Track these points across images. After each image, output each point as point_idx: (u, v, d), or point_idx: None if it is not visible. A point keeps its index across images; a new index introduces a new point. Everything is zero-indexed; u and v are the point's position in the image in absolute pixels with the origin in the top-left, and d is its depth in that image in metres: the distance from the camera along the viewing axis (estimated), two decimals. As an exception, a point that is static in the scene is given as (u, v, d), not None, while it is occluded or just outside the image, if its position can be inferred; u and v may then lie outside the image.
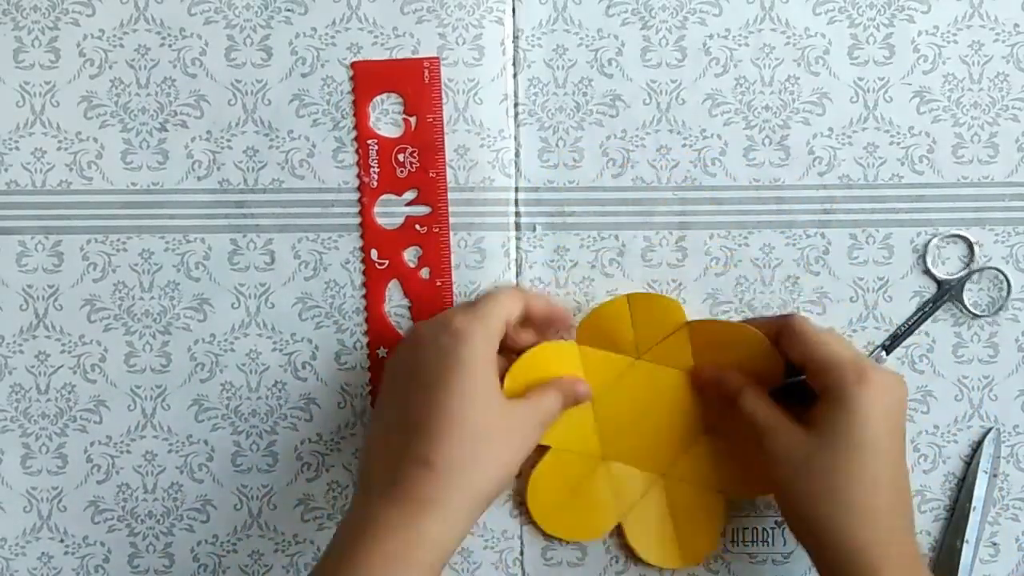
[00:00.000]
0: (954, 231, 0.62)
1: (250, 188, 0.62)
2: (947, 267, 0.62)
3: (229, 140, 0.62)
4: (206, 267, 0.62)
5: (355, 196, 0.62)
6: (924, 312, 0.62)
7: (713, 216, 0.62)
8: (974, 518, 0.62)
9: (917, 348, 0.62)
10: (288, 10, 0.62)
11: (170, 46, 0.62)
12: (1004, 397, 0.62)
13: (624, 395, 0.60)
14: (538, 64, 0.62)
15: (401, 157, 0.62)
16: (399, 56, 0.62)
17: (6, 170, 0.62)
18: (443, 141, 0.62)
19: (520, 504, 0.62)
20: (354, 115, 0.62)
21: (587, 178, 0.62)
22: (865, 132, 0.62)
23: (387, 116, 0.62)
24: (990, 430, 0.62)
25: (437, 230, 0.62)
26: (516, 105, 0.62)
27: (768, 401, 0.57)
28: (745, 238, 0.62)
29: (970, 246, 0.62)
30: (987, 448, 0.62)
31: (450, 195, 0.62)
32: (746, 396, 0.57)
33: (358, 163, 0.62)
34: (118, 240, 0.62)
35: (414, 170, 0.62)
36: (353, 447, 0.62)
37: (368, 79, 0.61)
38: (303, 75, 0.62)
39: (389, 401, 0.56)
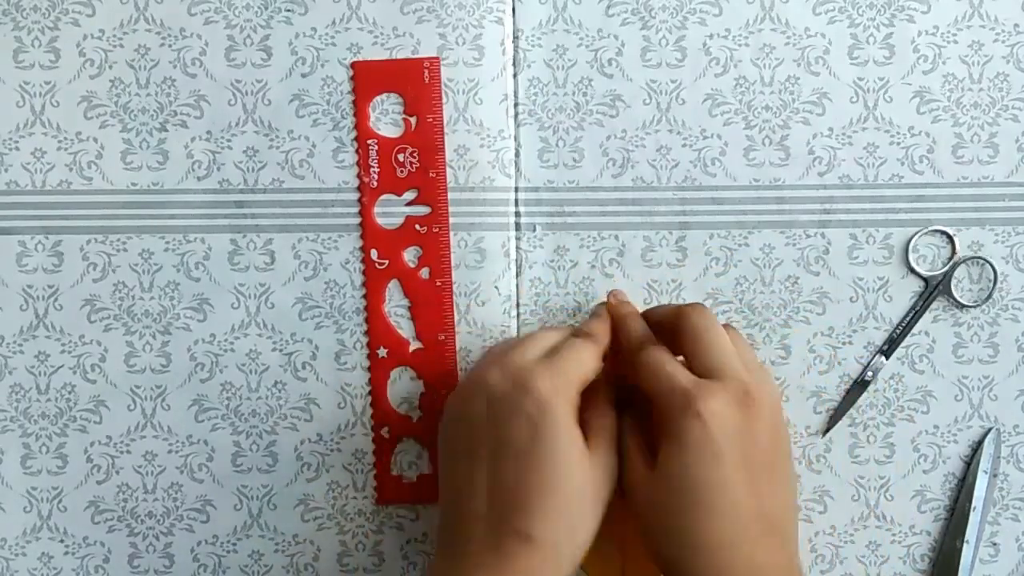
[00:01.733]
0: (935, 227, 0.62)
1: (250, 188, 0.62)
2: (931, 263, 0.62)
3: (229, 140, 0.62)
4: (206, 267, 0.62)
5: (355, 196, 0.62)
6: (916, 311, 0.62)
7: (713, 216, 0.62)
8: (974, 518, 0.62)
9: (917, 348, 0.62)
10: (288, 10, 0.62)
11: (170, 46, 0.62)
12: (1004, 397, 0.62)
13: None
14: (538, 64, 0.62)
15: (401, 157, 0.62)
16: (399, 56, 0.62)
17: (6, 170, 0.62)
18: (443, 141, 0.62)
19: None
20: (354, 115, 0.62)
21: (587, 178, 0.62)
22: (865, 132, 0.62)
23: (387, 116, 0.62)
24: (990, 430, 0.62)
25: (437, 230, 0.62)
26: (516, 105, 0.62)
27: (637, 429, 0.55)
28: (745, 238, 0.62)
29: (950, 239, 0.62)
30: (987, 448, 0.62)
31: (450, 195, 0.62)
32: (625, 420, 0.55)
33: (358, 163, 0.62)
34: (118, 240, 0.62)
35: (414, 170, 0.62)
36: (353, 447, 0.62)
37: (368, 79, 0.61)
38: (303, 75, 0.62)
39: (470, 464, 0.54)
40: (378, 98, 0.62)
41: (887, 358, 0.62)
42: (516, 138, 0.62)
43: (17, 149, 0.62)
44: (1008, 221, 0.62)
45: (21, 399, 0.62)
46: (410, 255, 0.62)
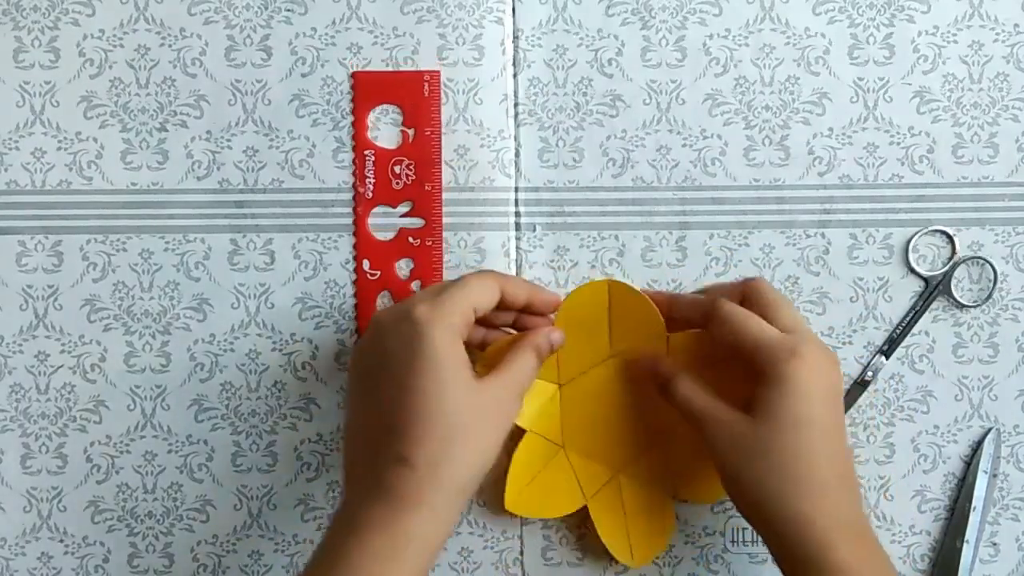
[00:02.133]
0: (935, 227, 0.62)
1: (250, 188, 0.62)
2: (931, 263, 0.62)
3: (229, 140, 0.62)
4: (206, 267, 0.62)
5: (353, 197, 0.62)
6: (916, 311, 0.62)
7: (713, 216, 0.62)
8: (974, 518, 0.62)
9: (917, 348, 0.62)
10: (288, 10, 0.62)
11: (170, 46, 0.62)
12: (1004, 397, 0.62)
13: (591, 388, 0.60)
14: (538, 64, 0.62)
15: (397, 169, 0.62)
16: (399, 56, 0.62)
17: (6, 170, 0.62)
18: (440, 155, 0.62)
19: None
20: (352, 124, 0.62)
21: (587, 178, 0.62)
22: (865, 132, 0.62)
23: (385, 127, 0.62)
24: (990, 430, 0.62)
25: (430, 243, 0.62)
26: (516, 105, 0.62)
27: (703, 387, 0.56)
28: (745, 238, 0.62)
29: (951, 240, 0.62)
30: (987, 448, 0.62)
31: (450, 195, 0.62)
32: (679, 384, 0.56)
33: (354, 172, 0.62)
34: (118, 240, 0.62)
35: (410, 183, 0.62)
36: (353, 447, 0.62)
37: (368, 89, 0.61)
38: (303, 75, 0.62)
39: (359, 395, 0.55)
40: (377, 109, 0.62)
41: (887, 358, 0.62)
42: (516, 138, 0.62)
43: (17, 149, 0.62)
44: (1008, 221, 0.62)
45: (21, 399, 0.62)
46: (402, 267, 0.62)
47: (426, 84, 0.61)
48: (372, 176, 0.61)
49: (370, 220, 0.62)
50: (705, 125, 0.62)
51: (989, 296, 0.62)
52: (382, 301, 0.62)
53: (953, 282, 0.62)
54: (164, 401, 0.62)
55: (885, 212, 0.62)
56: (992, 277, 0.62)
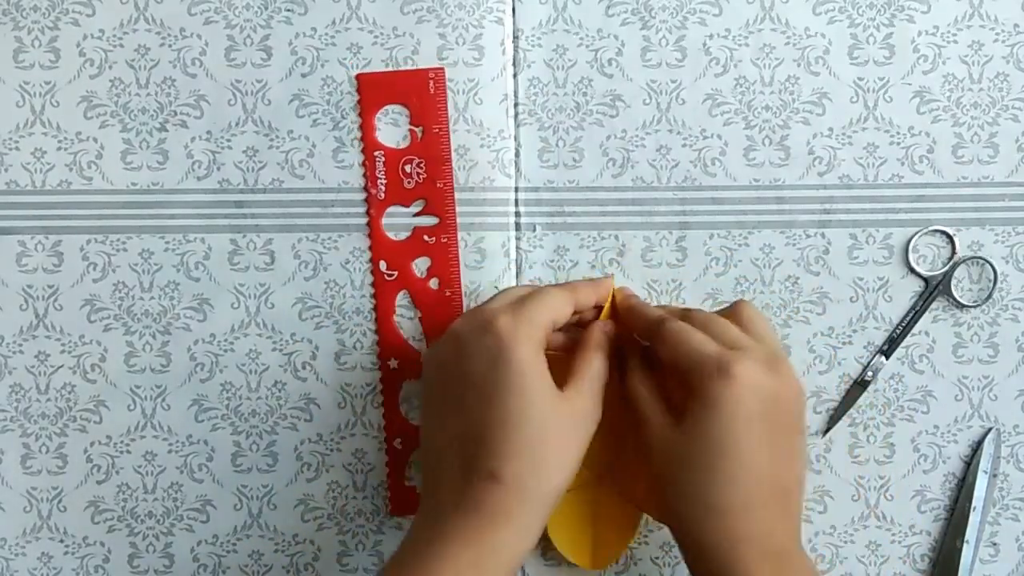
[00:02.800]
0: (935, 227, 0.62)
1: (250, 188, 0.62)
2: (931, 263, 0.62)
3: (229, 140, 0.62)
4: (206, 267, 0.62)
5: (354, 196, 0.62)
6: (916, 311, 0.62)
7: (713, 216, 0.62)
8: (974, 518, 0.62)
9: (917, 348, 0.62)
10: (288, 10, 0.62)
11: (170, 46, 0.62)
12: (1004, 397, 0.62)
13: None
14: (538, 64, 0.62)
15: (408, 168, 0.62)
16: (399, 56, 0.62)
17: (6, 170, 0.62)
18: (450, 151, 0.62)
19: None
20: (360, 127, 0.62)
21: (587, 178, 0.62)
22: (865, 132, 0.62)
23: (393, 127, 0.62)
24: (990, 430, 0.62)
25: (445, 240, 0.62)
26: (516, 105, 0.62)
27: (653, 385, 0.56)
28: (745, 238, 0.62)
29: (951, 240, 0.62)
30: (987, 448, 0.62)
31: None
32: (633, 376, 0.56)
33: (365, 175, 0.62)
34: (118, 240, 0.62)
35: (421, 181, 0.62)
36: (353, 447, 0.62)
37: (373, 90, 0.61)
38: (303, 75, 0.62)
39: (440, 408, 0.54)
40: (384, 109, 0.62)
41: (887, 358, 0.62)
42: (516, 138, 0.62)
43: (17, 149, 0.62)
44: (1008, 221, 0.62)
45: (21, 399, 0.62)
46: (419, 266, 0.62)
47: (431, 82, 0.61)
48: (383, 177, 0.61)
49: (384, 221, 0.62)
50: (705, 125, 0.62)
51: (989, 296, 0.62)
52: (401, 301, 0.62)
53: (953, 282, 0.62)
54: (164, 401, 0.62)
55: (885, 212, 0.62)
56: (992, 277, 0.62)
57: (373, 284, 0.62)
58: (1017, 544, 0.63)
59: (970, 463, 0.62)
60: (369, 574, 0.63)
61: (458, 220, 0.62)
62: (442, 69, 0.61)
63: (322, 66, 0.62)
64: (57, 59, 0.62)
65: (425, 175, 0.61)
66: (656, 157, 0.62)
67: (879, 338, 0.62)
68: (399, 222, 0.62)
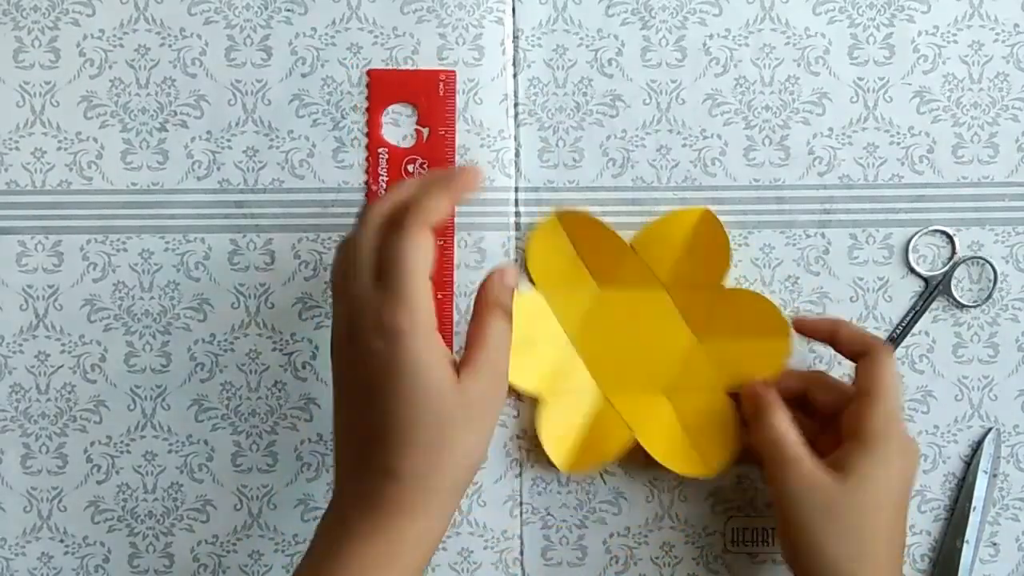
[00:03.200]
0: (935, 227, 0.62)
1: (250, 188, 0.62)
2: (931, 263, 0.62)
3: (229, 140, 0.62)
4: (206, 267, 0.62)
5: (354, 196, 0.62)
6: (916, 312, 0.62)
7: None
8: (974, 518, 0.62)
9: (917, 348, 0.62)
10: (288, 10, 0.62)
11: (170, 46, 0.62)
12: (1004, 397, 0.62)
13: (601, 328, 0.60)
14: (538, 64, 0.62)
15: (411, 168, 0.62)
16: (399, 56, 0.62)
17: (6, 170, 0.62)
18: (454, 154, 0.62)
19: (520, 503, 0.62)
20: (366, 123, 0.61)
21: (587, 178, 0.62)
22: (865, 132, 0.62)
23: (399, 126, 0.62)
24: (990, 430, 0.62)
25: (441, 243, 0.62)
26: (516, 105, 0.62)
27: (795, 427, 0.56)
28: (745, 238, 0.62)
29: (951, 239, 0.62)
30: (987, 448, 0.62)
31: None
32: (775, 416, 0.56)
33: (367, 170, 0.62)
34: (118, 240, 0.62)
35: None
36: (353, 447, 0.62)
37: (383, 87, 0.61)
38: (303, 75, 0.62)
39: (340, 405, 0.53)
40: (391, 107, 0.62)
41: None
42: (516, 138, 0.62)
43: (17, 149, 0.62)
44: (1008, 221, 0.62)
45: (21, 399, 0.62)
46: None
47: (442, 84, 0.61)
48: (385, 174, 0.61)
49: None
50: (705, 125, 0.62)
51: (989, 296, 0.62)
52: None
53: (953, 282, 0.62)
54: (164, 401, 0.62)
55: (885, 212, 0.62)
56: (992, 277, 0.62)
57: None
58: (1017, 544, 0.63)
59: (970, 463, 0.62)
60: (369, 574, 0.63)
61: (457, 219, 0.62)
62: (454, 72, 0.61)
63: (322, 66, 0.62)
64: (57, 59, 0.62)
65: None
66: (656, 157, 0.62)
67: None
68: None
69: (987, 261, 0.62)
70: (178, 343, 0.62)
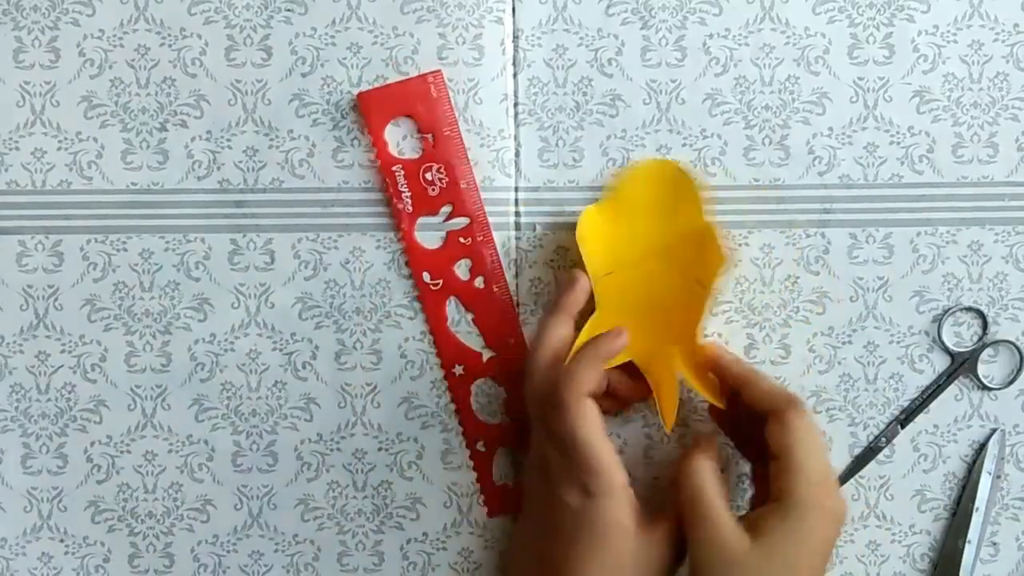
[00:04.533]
0: (969, 304, 0.62)
1: (250, 188, 0.62)
2: (961, 340, 0.62)
3: (229, 140, 0.62)
4: (206, 267, 0.62)
5: (354, 196, 0.62)
6: (939, 386, 0.62)
7: (713, 216, 0.62)
8: (976, 518, 0.62)
9: (917, 348, 0.62)
10: (288, 10, 0.62)
11: (170, 46, 0.62)
12: (1004, 397, 0.62)
13: (619, 295, 0.60)
14: (538, 64, 0.62)
15: (429, 176, 0.61)
16: (399, 56, 0.62)
17: (6, 170, 0.62)
18: (465, 151, 0.61)
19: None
20: (372, 144, 0.61)
21: (587, 178, 0.62)
22: (865, 132, 0.62)
23: (405, 139, 0.62)
24: (995, 431, 0.62)
25: (481, 238, 0.62)
26: (516, 105, 0.62)
27: (716, 482, 0.55)
28: (745, 238, 0.62)
29: (983, 319, 0.62)
30: (991, 449, 0.62)
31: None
32: (698, 464, 0.55)
33: (388, 191, 0.61)
34: (118, 240, 0.62)
35: (444, 186, 0.61)
36: (353, 447, 0.62)
37: (376, 107, 0.61)
38: (303, 75, 0.62)
39: (528, 551, 0.58)
40: (391, 123, 0.62)
41: (902, 427, 0.62)
42: (516, 138, 0.62)
43: (17, 149, 0.62)
44: (1008, 221, 0.62)
45: (21, 399, 0.62)
46: (461, 268, 0.62)
47: (431, 86, 0.61)
48: (407, 190, 0.61)
49: (417, 233, 0.62)
50: (705, 125, 0.62)
51: (1013, 380, 0.62)
52: (451, 307, 0.62)
53: (979, 362, 0.62)
54: (164, 401, 0.62)
55: (885, 212, 0.62)
56: (1018, 361, 0.62)
57: (419, 298, 0.62)
58: (1017, 544, 0.63)
59: (971, 463, 0.62)
60: (369, 574, 0.63)
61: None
62: (439, 71, 0.61)
63: (322, 66, 0.62)
64: (57, 59, 0.62)
65: (447, 179, 0.61)
66: (655, 157, 0.62)
67: (879, 338, 0.62)
68: (431, 232, 0.62)
69: (1015, 345, 0.62)
70: (178, 343, 0.62)
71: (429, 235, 0.62)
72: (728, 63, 0.62)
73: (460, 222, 0.62)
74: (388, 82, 0.61)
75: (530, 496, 0.59)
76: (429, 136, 0.62)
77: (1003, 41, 0.62)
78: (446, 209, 0.62)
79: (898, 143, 0.62)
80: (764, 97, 0.62)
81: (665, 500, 0.57)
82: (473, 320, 0.62)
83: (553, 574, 0.55)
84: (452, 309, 0.62)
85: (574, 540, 0.54)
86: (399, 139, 0.62)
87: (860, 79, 0.62)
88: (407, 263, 0.62)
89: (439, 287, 0.62)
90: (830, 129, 0.62)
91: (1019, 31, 0.62)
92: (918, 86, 0.62)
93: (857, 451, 0.62)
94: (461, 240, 0.62)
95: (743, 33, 0.62)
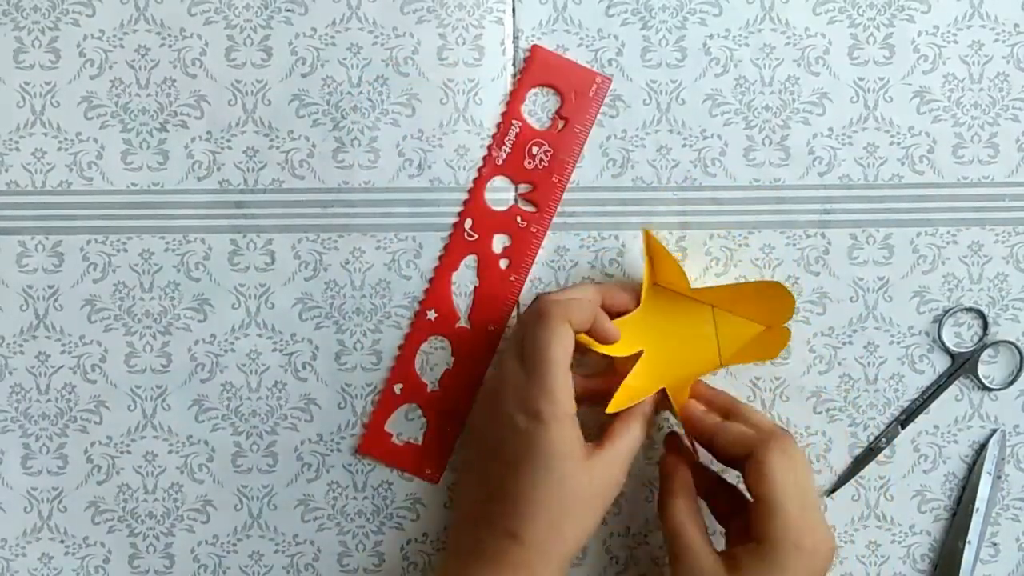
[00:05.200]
0: (969, 304, 0.62)
1: (250, 188, 0.62)
2: (962, 340, 0.62)
3: (229, 140, 0.62)
4: (206, 267, 0.62)
5: (354, 196, 0.62)
6: (939, 386, 0.62)
7: (713, 216, 0.62)
8: (977, 519, 0.62)
9: (917, 348, 0.62)
10: (288, 10, 0.62)
11: (170, 46, 0.62)
12: (1004, 397, 0.62)
13: (651, 327, 0.60)
14: (538, 64, 0.62)
15: (535, 150, 0.62)
16: (399, 56, 0.62)
17: (6, 170, 0.62)
18: (579, 154, 0.62)
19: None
20: (510, 92, 0.62)
21: (587, 178, 0.62)
22: (865, 132, 0.62)
23: (541, 109, 0.62)
24: (995, 431, 0.62)
25: (535, 230, 0.62)
26: (516, 105, 0.62)
27: (698, 519, 0.56)
28: (745, 238, 0.62)
29: (984, 320, 0.62)
30: (991, 449, 0.62)
31: (449, 195, 0.62)
32: (676, 504, 0.56)
33: (494, 136, 0.62)
34: (118, 240, 0.62)
35: (541, 167, 0.62)
36: (353, 447, 0.62)
37: (543, 67, 0.62)
38: (303, 75, 0.62)
39: (473, 470, 0.58)
40: (540, 88, 0.62)
41: (903, 428, 0.62)
42: (516, 138, 0.62)
43: (17, 149, 0.62)
44: (1008, 221, 0.62)
45: (21, 399, 0.62)
46: (498, 241, 0.62)
47: (595, 86, 0.62)
48: (509, 147, 0.61)
49: (488, 184, 0.62)
50: (705, 125, 0.62)
51: (1013, 381, 0.62)
52: (466, 263, 0.62)
53: (979, 363, 0.62)
54: (164, 401, 0.62)
55: (885, 212, 0.62)
56: (1018, 362, 0.62)
57: (450, 236, 0.62)
58: (1017, 544, 0.63)
59: (971, 463, 0.62)
60: (369, 574, 0.63)
61: (457, 218, 0.62)
62: (609, 80, 0.62)
63: (322, 66, 0.62)
64: (57, 59, 0.62)
65: (547, 164, 0.62)
66: (656, 157, 0.62)
67: (879, 338, 0.62)
68: (501, 194, 0.62)
69: (1015, 346, 0.62)
70: (178, 343, 0.62)
71: (497, 196, 0.62)
72: (728, 63, 0.62)
73: (529, 205, 0.62)
74: (566, 55, 0.62)
75: (478, 418, 0.60)
76: (561, 121, 0.62)
77: (1003, 41, 0.62)
78: (525, 187, 0.62)
79: (898, 143, 0.62)
80: (764, 97, 0.62)
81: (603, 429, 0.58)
82: (474, 288, 0.62)
83: (494, 492, 0.55)
84: (466, 265, 0.62)
85: (518, 460, 0.54)
86: (536, 104, 0.62)
87: (860, 79, 0.62)
88: (460, 211, 0.62)
89: (472, 240, 0.62)
90: (830, 129, 0.62)
91: (1019, 31, 0.62)
92: (918, 86, 0.62)
93: (857, 452, 0.62)
94: (518, 220, 0.62)
95: (743, 33, 0.62)
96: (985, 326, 0.62)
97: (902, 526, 0.62)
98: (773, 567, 0.53)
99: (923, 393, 0.62)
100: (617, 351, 0.59)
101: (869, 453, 0.62)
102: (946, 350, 0.62)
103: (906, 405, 0.62)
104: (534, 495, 0.54)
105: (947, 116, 0.62)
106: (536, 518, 0.54)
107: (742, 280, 0.62)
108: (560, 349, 0.55)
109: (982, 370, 0.62)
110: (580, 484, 0.55)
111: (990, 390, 0.62)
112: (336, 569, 0.63)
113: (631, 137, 0.62)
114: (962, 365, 0.62)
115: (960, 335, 0.62)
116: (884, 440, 0.62)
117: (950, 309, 0.62)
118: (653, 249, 0.59)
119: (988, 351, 0.62)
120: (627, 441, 0.57)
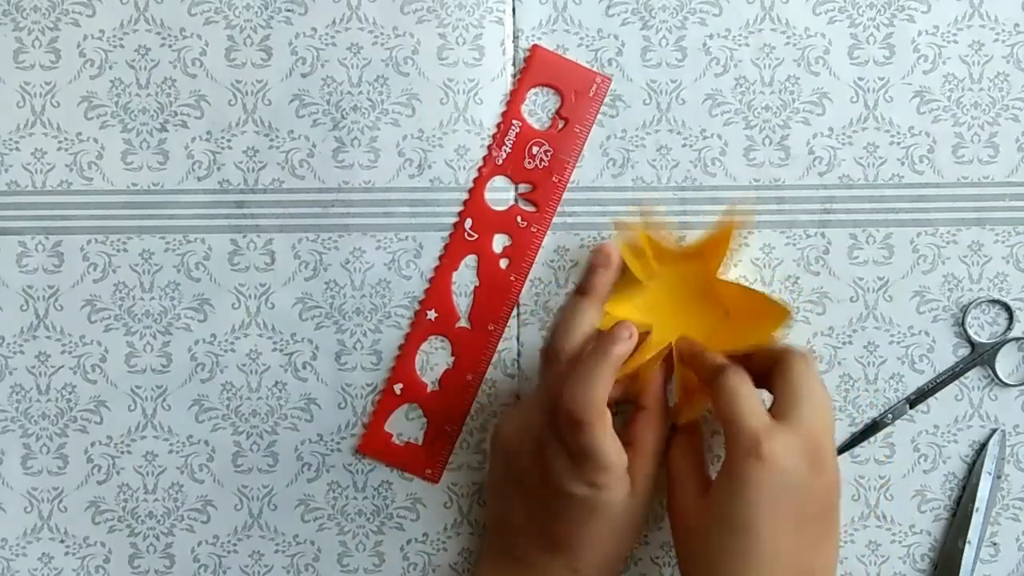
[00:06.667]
0: (996, 296, 0.62)
1: (250, 188, 0.62)
2: (985, 331, 0.62)
3: (229, 140, 0.62)
4: (206, 267, 0.62)
5: (354, 196, 0.62)
6: (955, 372, 0.62)
7: (713, 216, 0.62)
8: (977, 519, 0.62)
9: (917, 348, 0.62)
10: (288, 10, 0.62)
11: (170, 46, 0.62)
12: (1004, 397, 0.62)
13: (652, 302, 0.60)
14: (538, 64, 0.62)
15: (535, 150, 0.62)
16: (399, 56, 0.62)
17: (6, 170, 0.62)
18: (579, 154, 0.62)
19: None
20: (511, 93, 0.62)
21: (587, 178, 0.62)
22: (865, 132, 0.62)
23: (542, 109, 0.62)
24: (995, 431, 0.62)
25: (535, 231, 0.62)
26: (516, 105, 0.62)
27: (693, 451, 0.57)
28: (745, 238, 0.62)
29: (1010, 313, 0.62)
30: (992, 449, 0.62)
31: (448, 195, 0.62)
32: (675, 444, 0.58)
33: (494, 136, 0.62)
34: (118, 240, 0.62)
35: (541, 167, 0.62)
36: (354, 447, 0.62)
37: (543, 66, 0.62)
38: (303, 75, 0.62)
39: (514, 485, 0.58)
40: (540, 88, 0.62)
41: (912, 407, 0.62)
42: (516, 138, 0.62)
43: (17, 149, 0.62)
44: (1008, 221, 0.62)
45: (21, 399, 0.62)
46: (499, 240, 0.62)
47: (596, 86, 0.62)
48: (509, 146, 0.61)
49: (488, 184, 0.62)
50: (705, 125, 0.62)
51: None
52: (466, 263, 0.62)
53: (999, 356, 0.62)
54: (165, 401, 0.62)
55: (885, 212, 0.62)
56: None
57: (450, 236, 0.62)
58: (1017, 544, 0.63)
59: (971, 463, 0.62)
60: (369, 574, 0.63)
61: (456, 218, 0.62)
62: (609, 79, 0.62)
63: (322, 66, 0.62)
64: (57, 59, 0.62)
65: (547, 164, 0.62)
66: (656, 157, 0.62)
67: (879, 338, 0.62)
68: (501, 194, 0.62)
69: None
70: (178, 343, 0.62)
71: (497, 196, 0.62)
72: (728, 63, 0.62)
73: (529, 205, 0.62)
74: (566, 55, 0.62)
75: (516, 467, 0.57)
76: (561, 121, 0.62)
77: (1003, 41, 0.62)
78: (525, 187, 0.62)
79: (898, 143, 0.62)
80: (764, 97, 0.62)
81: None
82: (475, 288, 0.62)
83: (555, 544, 0.56)
84: (466, 265, 0.62)
85: (584, 521, 0.55)
86: (536, 104, 0.62)
87: (860, 79, 0.62)
88: (461, 211, 0.62)
89: (472, 240, 0.62)
90: (830, 129, 0.62)
91: (1019, 31, 0.62)
92: (918, 86, 0.62)
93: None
94: (518, 220, 0.62)
95: (743, 33, 0.62)
96: (1010, 321, 0.62)
97: (902, 526, 0.62)
98: (729, 481, 0.52)
99: (937, 377, 0.62)
100: (628, 315, 0.59)
101: (874, 426, 0.62)
102: (968, 339, 0.62)
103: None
104: (598, 541, 0.55)
105: (947, 116, 0.62)
106: (595, 552, 0.56)
107: (742, 280, 0.62)
108: (606, 436, 0.53)
109: (1000, 364, 0.62)
110: (633, 517, 0.56)
111: (1007, 385, 0.62)
112: (336, 569, 0.63)
113: (631, 137, 0.62)
114: (981, 355, 0.62)
115: (982, 327, 0.62)
116: (890, 416, 0.62)
117: (975, 300, 0.62)
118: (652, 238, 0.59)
119: (1008, 346, 0.62)
120: (650, 472, 0.57)
